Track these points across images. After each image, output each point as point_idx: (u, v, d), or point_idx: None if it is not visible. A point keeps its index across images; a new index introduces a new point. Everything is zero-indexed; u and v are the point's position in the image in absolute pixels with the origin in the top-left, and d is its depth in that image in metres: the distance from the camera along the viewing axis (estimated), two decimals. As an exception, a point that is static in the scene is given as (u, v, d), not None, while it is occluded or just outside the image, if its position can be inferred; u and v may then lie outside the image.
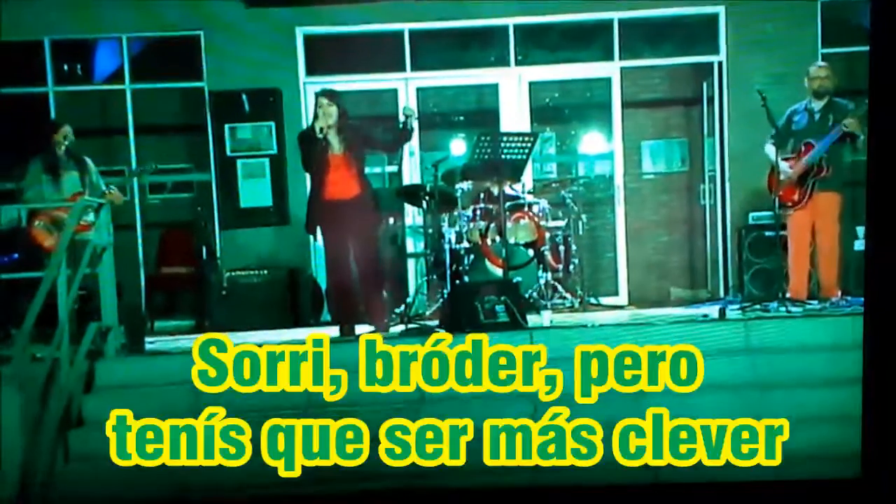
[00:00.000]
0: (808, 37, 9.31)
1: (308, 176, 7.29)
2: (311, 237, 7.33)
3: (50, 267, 5.94)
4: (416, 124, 7.18)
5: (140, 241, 9.72)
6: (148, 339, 7.25)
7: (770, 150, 7.42)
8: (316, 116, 6.99)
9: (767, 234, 8.51)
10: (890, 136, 2.96)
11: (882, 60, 2.99)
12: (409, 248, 9.66)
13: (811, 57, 9.16)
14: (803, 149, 7.29)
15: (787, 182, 7.34)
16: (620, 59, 9.68)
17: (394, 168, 9.76)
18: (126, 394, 6.04)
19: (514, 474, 5.21)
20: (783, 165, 7.34)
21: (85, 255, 6.41)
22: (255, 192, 9.56)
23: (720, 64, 9.59)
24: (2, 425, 5.34)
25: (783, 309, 7.09)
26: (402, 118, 7.21)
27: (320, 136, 6.93)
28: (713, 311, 7.35)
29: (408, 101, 9.43)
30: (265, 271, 8.90)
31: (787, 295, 7.36)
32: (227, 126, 9.58)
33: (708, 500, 4.74)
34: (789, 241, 7.53)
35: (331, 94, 7.06)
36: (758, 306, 7.39)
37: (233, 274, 8.90)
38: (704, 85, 10.08)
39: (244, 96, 9.51)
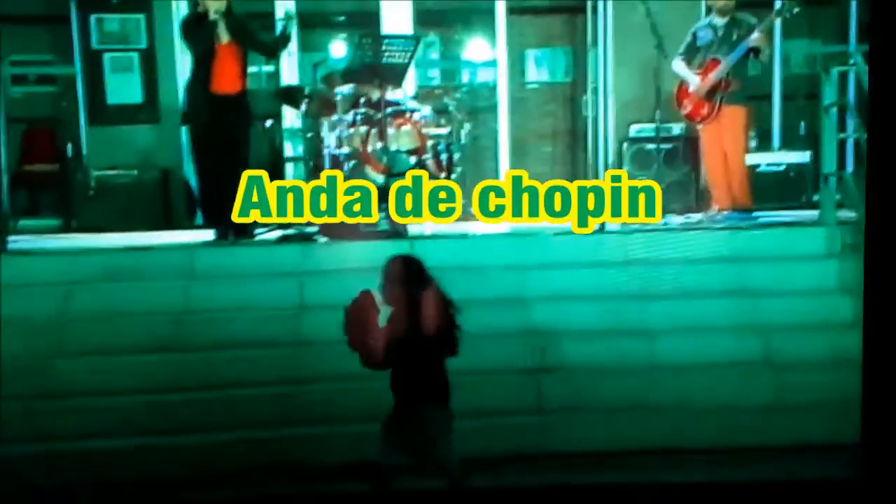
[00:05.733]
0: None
1: (189, 65, 7.04)
2: (183, 135, 7.09)
3: None
4: (294, 29, 6.98)
5: (2, 136, 9.19)
6: (11, 238, 6.98)
7: (679, 65, 7.54)
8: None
9: (648, 147, 8.59)
10: (889, 140, 2.91)
11: (881, 64, 2.93)
12: (288, 151, 9.38)
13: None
14: (710, 65, 7.37)
15: (695, 97, 7.44)
16: (506, -37, 9.50)
17: (271, 68, 9.40)
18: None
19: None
20: (693, 80, 7.41)
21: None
22: (123, 87, 9.15)
23: (605, -28, 9.48)
24: None
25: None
26: (281, 22, 7.01)
27: (214, 17, 6.75)
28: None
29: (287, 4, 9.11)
30: (135, 171, 8.60)
31: (714, 207, 7.57)
32: (93, 17, 9.10)
33: (708, 500, 4.74)
34: (704, 155, 7.74)
35: None
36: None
37: (100, 173, 8.56)
38: (589, -7, 9.96)
39: (112, -15, 9.02)
